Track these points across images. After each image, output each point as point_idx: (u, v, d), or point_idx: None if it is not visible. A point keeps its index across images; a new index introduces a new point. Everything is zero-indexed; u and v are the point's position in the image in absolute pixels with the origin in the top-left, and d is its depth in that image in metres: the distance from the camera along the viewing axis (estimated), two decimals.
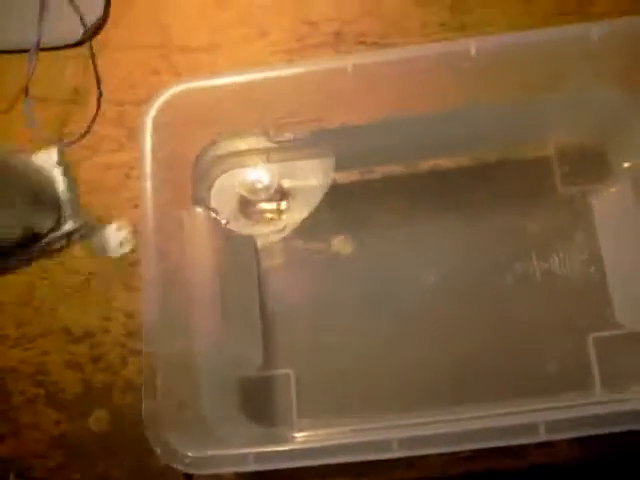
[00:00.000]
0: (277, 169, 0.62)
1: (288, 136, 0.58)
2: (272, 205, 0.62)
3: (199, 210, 0.55)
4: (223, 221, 0.56)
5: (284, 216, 0.62)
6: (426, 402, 0.57)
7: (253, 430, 0.57)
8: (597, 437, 0.43)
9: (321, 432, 0.57)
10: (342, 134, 0.59)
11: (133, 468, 0.60)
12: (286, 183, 0.62)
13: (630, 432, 0.44)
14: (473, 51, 0.51)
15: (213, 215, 0.56)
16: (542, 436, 0.43)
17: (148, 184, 0.51)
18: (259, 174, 0.62)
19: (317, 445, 0.47)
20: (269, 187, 0.61)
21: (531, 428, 0.44)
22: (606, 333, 0.57)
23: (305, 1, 0.69)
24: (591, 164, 0.60)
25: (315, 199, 0.61)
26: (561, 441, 0.57)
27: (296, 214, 0.62)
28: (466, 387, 0.57)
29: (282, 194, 0.62)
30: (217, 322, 0.53)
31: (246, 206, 0.62)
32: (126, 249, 0.62)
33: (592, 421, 0.44)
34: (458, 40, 0.54)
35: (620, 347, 0.57)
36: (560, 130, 0.60)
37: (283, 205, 0.62)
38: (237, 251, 0.59)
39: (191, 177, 0.55)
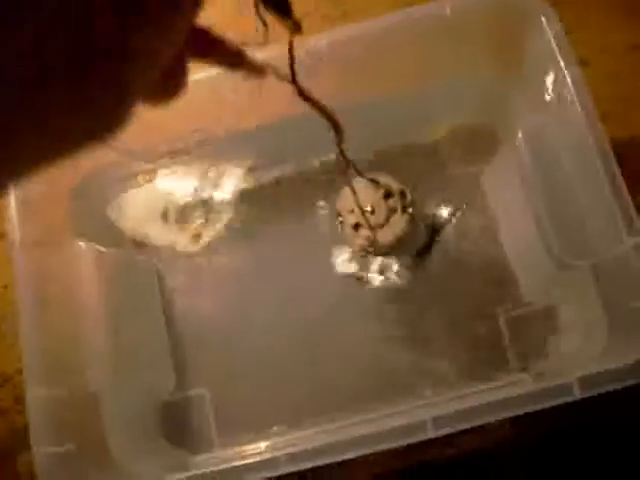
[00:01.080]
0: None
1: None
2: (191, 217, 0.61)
3: (81, 244, 0.53)
4: (102, 249, 0.54)
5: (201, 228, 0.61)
6: (347, 406, 0.55)
7: (173, 454, 0.56)
8: (527, 417, 0.42)
9: (242, 449, 0.56)
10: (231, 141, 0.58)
11: None
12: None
13: (554, 409, 0.43)
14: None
15: (97, 247, 0.54)
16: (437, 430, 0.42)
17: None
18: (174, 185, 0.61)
19: (240, 463, 0.46)
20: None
21: (424, 424, 0.42)
22: (516, 312, 0.56)
23: None
24: (480, 143, 0.59)
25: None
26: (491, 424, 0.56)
27: (215, 225, 0.61)
28: (382, 386, 0.56)
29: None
30: (112, 354, 0.52)
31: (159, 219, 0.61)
32: None
33: (515, 402, 0.43)
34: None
35: (531, 324, 0.55)
36: (446, 112, 0.59)
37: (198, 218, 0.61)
38: (134, 278, 0.58)
39: (69, 212, 0.54)
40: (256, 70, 0.32)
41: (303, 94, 0.39)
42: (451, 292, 0.57)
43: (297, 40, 0.34)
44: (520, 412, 0.42)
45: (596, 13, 0.64)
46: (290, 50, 0.35)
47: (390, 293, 0.58)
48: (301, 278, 0.58)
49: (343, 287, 0.58)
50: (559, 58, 0.47)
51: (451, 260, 0.58)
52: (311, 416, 0.55)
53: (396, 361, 0.56)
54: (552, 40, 0.48)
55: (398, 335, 0.57)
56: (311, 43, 0.49)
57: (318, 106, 0.40)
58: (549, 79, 0.49)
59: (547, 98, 0.49)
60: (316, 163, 0.61)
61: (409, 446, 0.55)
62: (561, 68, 0.48)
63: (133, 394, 0.54)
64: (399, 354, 0.56)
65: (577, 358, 0.51)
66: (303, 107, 0.45)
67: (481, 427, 0.55)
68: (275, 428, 0.55)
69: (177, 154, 0.57)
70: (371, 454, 0.46)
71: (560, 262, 0.50)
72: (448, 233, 0.58)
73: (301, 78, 0.37)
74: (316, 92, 0.52)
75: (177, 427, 0.56)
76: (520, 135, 0.52)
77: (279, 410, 0.56)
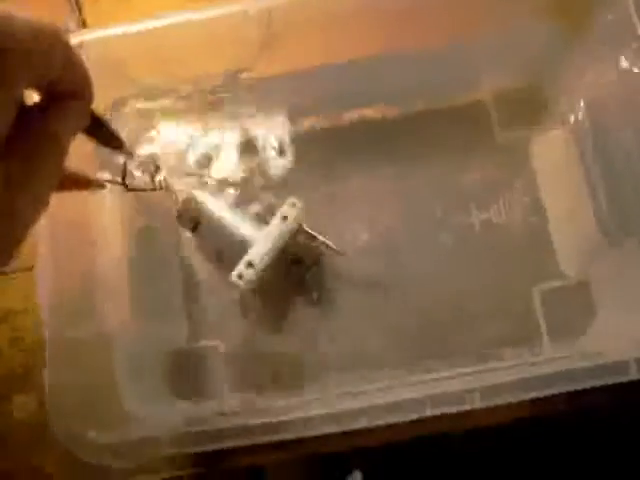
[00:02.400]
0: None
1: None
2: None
3: (106, 175, 0.50)
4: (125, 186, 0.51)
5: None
6: (367, 368, 0.53)
7: (183, 407, 0.53)
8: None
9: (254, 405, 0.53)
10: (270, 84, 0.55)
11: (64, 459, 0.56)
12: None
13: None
14: None
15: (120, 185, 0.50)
16: (477, 402, 0.40)
17: None
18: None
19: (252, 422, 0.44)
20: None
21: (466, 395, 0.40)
22: (551, 284, 0.54)
23: None
24: (528, 107, 0.57)
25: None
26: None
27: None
28: (406, 352, 0.53)
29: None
30: (127, 300, 0.49)
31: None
32: None
33: (539, 383, 0.42)
34: None
35: (566, 298, 0.53)
36: (494, 72, 0.57)
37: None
38: (152, 222, 0.55)
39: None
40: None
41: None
42: (490, 257, 0.55)
43: None
44: (574, 388, 0.40)
45: None
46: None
47: None
48: (328, 229, 0.55)
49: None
50: (635, 25, 0.45)
51: (492, 226, 0.55)
52: (334, 375, 0.52)
53: (429, 323, 0.54)
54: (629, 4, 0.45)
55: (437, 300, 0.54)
56: None
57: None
58: (617, 46, 0.46)
59: (613, 67, 0.47)
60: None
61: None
62: (634, 36, 0.45)
63: (146, 341, 0.51)
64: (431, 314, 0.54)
65: (615, 339, 0.49)
66: None
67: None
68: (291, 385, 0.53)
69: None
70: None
71: (611, 236, 0.48)
72: (491, 198, 0.55)
73: None
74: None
75: (188, 378, 0.53)
76: (575, 101, 0.50)
77: (299, 367, 0.53)
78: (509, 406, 0.52)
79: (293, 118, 0.58)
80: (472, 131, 0.57)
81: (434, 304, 0.54)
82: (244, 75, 0.53)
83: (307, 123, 0.58)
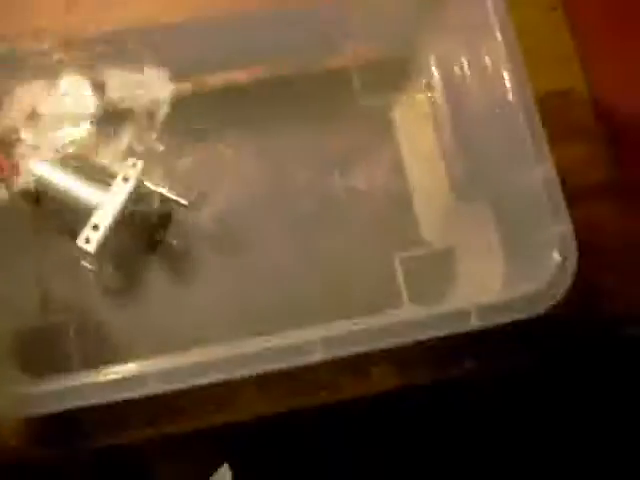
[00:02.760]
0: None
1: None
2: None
3: None
4: None
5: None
6: (220, 333, 0.51)
7: (31, 384, 0.49)
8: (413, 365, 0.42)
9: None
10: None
11: None
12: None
13: (444, 359, 0.40)
14: None
15: None
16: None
17: None
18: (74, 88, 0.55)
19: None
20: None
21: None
22: (412, 252, 0.53)
23: None
24: (390, 74, 0.56)
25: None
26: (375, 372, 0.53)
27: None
28: (259, 318, 0.51)
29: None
30: None
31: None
32: None
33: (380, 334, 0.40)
34: None
35: (427, 264, 0.53)
36: (356, 39, 0.56)
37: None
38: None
39: None
40: None
41: None
42: (354, 224, 0.53)
43: None
44: (417, 338, 0.38)
45: None
46: None
47: None
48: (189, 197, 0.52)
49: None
50: None
51: (355, 192, 0.54)
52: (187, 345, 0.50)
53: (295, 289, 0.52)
54: None
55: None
56: None
57: None
58: (470, 5, 0.46)
59: (466, 26, 0.47)
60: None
61: (295, 390, 0.52)
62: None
63: None
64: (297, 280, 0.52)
65: (475, 293, 0.48)
66: None
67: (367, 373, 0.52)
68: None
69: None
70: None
71: (463, 195, 0.47)
72: (354, 165, 0.54)
73: None
74: None
75: (38, 356, 0.50)
76: (433, 66, 0.50)
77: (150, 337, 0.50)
78: (376, 378, 0.52)
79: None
80: (336, 97, 0.56)
81: (294, 268, 0.52)
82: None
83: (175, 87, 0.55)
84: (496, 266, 0.47)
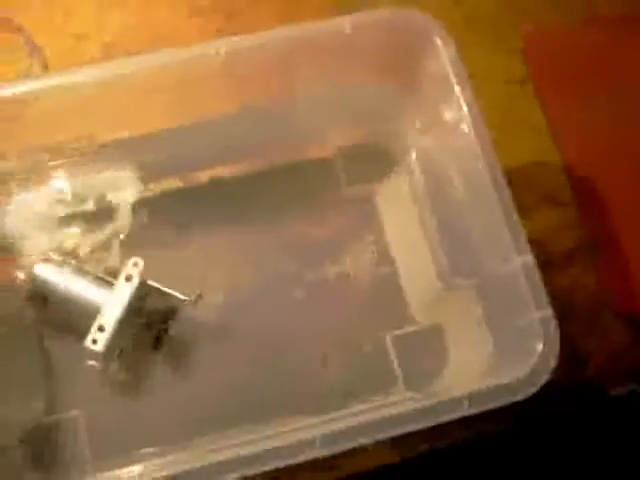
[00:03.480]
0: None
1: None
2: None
3: None
4: None
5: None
6: (223, 425, 0.53)
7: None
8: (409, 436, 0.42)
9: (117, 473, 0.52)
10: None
11: None
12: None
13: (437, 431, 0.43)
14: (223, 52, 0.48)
15: None
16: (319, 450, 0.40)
17: None
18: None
19: None
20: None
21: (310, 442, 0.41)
22: (403, 331, 0.55)
23: (71, 13, 0.64)
24: (372, 162, 0.59)
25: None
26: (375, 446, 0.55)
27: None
28: (260, 407, 0.53)
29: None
30: None
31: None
32: None
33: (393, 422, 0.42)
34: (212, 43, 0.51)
35: (418, 343, 0.55)
36: (337, 129, 0.59)
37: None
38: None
39: None
40: None
41: None
42: (344, 308, 0.56)
43: None
44: (413, 428, 0.41)
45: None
46: None
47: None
48: (181, 291, 0.55)
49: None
50: (453, 81, 0.48)
51: (344, 278, 0.56)
52: (193, 436, 0.52)
53: (278, 380, 0.54)
54: (447, 63, 0.48)
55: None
56: None
57: None
58: (443, 101, 0.50)
59: (440, 119, 0.50)
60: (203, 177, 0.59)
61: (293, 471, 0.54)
62: (454, 91, 0.48)
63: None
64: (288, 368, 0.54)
65: (464, 377, 0.51)
66: None
67: (364, 449, 0.54)
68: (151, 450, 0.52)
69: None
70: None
71: (449, 282, 0.50)
72: (341, 251, 0.57)
73: None
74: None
75: (48, 451, 0.52)
76: (413, 155, 0.53)
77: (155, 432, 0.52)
78: (370, 452, 0.54)
79: (144, 180, 0.58)
80: (320, 186, 0.59)
81: (289, 357, 0.54)
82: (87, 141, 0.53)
83: (158, 185, 0.58)
84: (484, 346, 0.49)
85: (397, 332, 0.55)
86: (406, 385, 0.54)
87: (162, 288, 0.53)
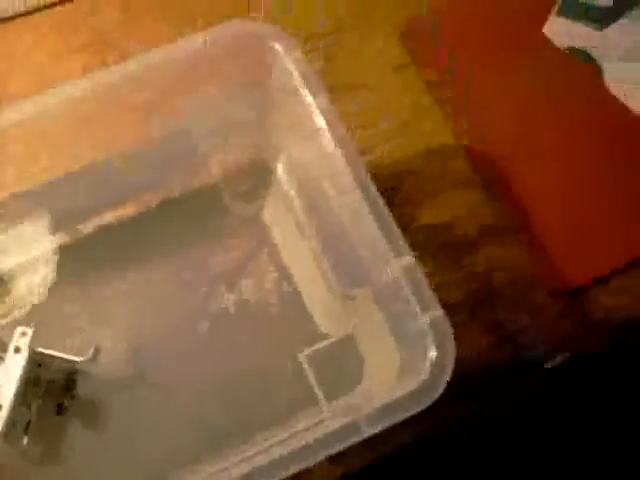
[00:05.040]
0: None
1: None
2: None
3: None
4: None
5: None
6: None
7: None
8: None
9: None
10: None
11: None
12: None
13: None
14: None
15: None
16: None
17: None
18: None
19: None
20: None
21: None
22: (316, 347, 0.54)
23: None
24: (255, 179, 0.57)
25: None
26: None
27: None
28: (178, 451, 0.52)
29: None
30: None
31: None
32: None
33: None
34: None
35: (333, 357, 0.54)
36: (217, 153, 0.57)
37: None
38: None
39: None
40: None
41: None
42: (250, 335, 0.54)
43: None
44: (344, 447, 0.39)
45: None
46: None
47: None
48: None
49: None
50: (303, 88, 0.46)
51: (246, 304, 0.55)
52: None
53: (197, 419, 0.52)
54: (295, 70, 0.46)
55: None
56: None
57: None
58: (298, 109, 0.48)
59: (301, 128, 0.48)
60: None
61: None
62: (306, 100, 0.46)
63: None
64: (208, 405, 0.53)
65: (376, 387, 0.49)
66: None
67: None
68: None
69: None
70: None
71: (345, 292, 0.49)
72: (241, 276, 0.55)
73: None
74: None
75: None
76: (284, 167, 0.51)
77: None
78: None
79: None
80: (211, 214, 0.57)
81: (201, 397, 0.52)
82: None
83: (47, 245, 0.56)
84: (393, 352, 0.48)
85: (310, 350, 0.53)
86: (328, 401, 0.52)
87: (55, 354, 0.51)
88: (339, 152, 0.45)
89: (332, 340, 0.54)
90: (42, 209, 0.56)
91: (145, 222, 0.56)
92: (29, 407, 0.51)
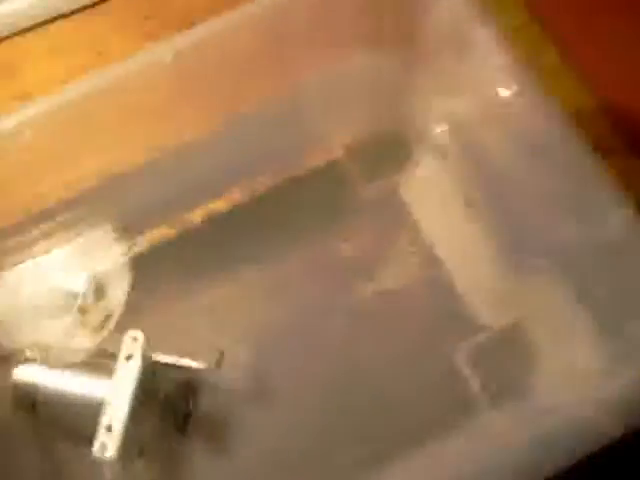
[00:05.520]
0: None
1: None
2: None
3: None
4: None
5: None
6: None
7: None
8: None
9: None
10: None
11: None
12: None
13: None
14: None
15: None
16: None
17: None
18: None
19: None
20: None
21: None
22: (474, 340, 0.45)
23: None
24: (388, 151, 0.49)
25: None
26: None
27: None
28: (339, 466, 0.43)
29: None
30: None
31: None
32: None
33: None
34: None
35: (496, 351, 0.45)
36: (340, 124, 0.49)
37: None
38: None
39: None
40: None
41: None
42: (394, 331, 0.45)
43: None
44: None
45: None
46: None
47: None
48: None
49: None
50: (468, 26, 0.38)
51: (387, 294, 0.46)
52: None
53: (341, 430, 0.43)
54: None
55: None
56: None
57: None
58: (460, 55, 0.40)
59: (464, 79, 0.40)
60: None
61: None
62: (473, 38, 0.38)
63: None
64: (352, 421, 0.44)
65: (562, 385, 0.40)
66: None
67: None
68: None
69: None
70: None
71: (517, 268, 0.40)
72: (377, 263, 0.47)
73: None
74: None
75: None
76: (437, 130, 0.43)
77: None
78: None
79: (127, 236, 0.48)
80: (335, 195, 0.49)
81: (345, 402, 0.44)
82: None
83: (144, 238, 0.48)
84: (584, 340, 0.39)
85: (467, 344, 0.45)
86: (491, 405, 0.43)
87: (174, 361, 0.42)
88: (520, 98, 0.36)
89: (494, 332, 0.45)
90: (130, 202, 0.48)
91: (262, 207, 0.48)
92: (143, 425, 0.42)
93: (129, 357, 0.42)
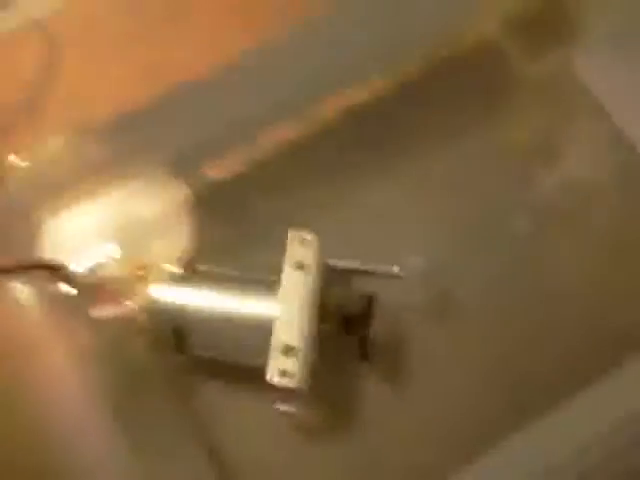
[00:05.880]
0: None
1: None
2: None
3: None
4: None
5: None
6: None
7: None
8: None
9: None
10: None
11: None
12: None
13: None
14: None
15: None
16: None
17: None
18: None
19: None
20: None
21: None
22: None
23: None
24: (552, 24, 0.42)
25: None
26: None
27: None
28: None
29: None
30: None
31: None
32: None
33: None
34: None
35: None
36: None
37: None
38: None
39: None
40: None
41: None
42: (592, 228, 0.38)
43: None
44: None
45: None
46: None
47: None
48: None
49: None
50: None
51: (580, 182, 0.39)
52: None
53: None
54: None
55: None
56: None
57: None
58: None
59: None
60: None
61: None
62: None
63: None
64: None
65: None
66: None
67: None
68: None
69: None
70: None
71: None
72: (562, 155, 0.40)
73: None
74: None
75: None
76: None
77: None
78: None
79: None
80: (492, 78, 0.41)
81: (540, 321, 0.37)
82: None
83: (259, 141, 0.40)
84: None
85: None
86: None
87: (356, 266, 0.35)
88: None
89: None
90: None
91: (404, 99, 0.41)
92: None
93: (300, 266, 0.34)
